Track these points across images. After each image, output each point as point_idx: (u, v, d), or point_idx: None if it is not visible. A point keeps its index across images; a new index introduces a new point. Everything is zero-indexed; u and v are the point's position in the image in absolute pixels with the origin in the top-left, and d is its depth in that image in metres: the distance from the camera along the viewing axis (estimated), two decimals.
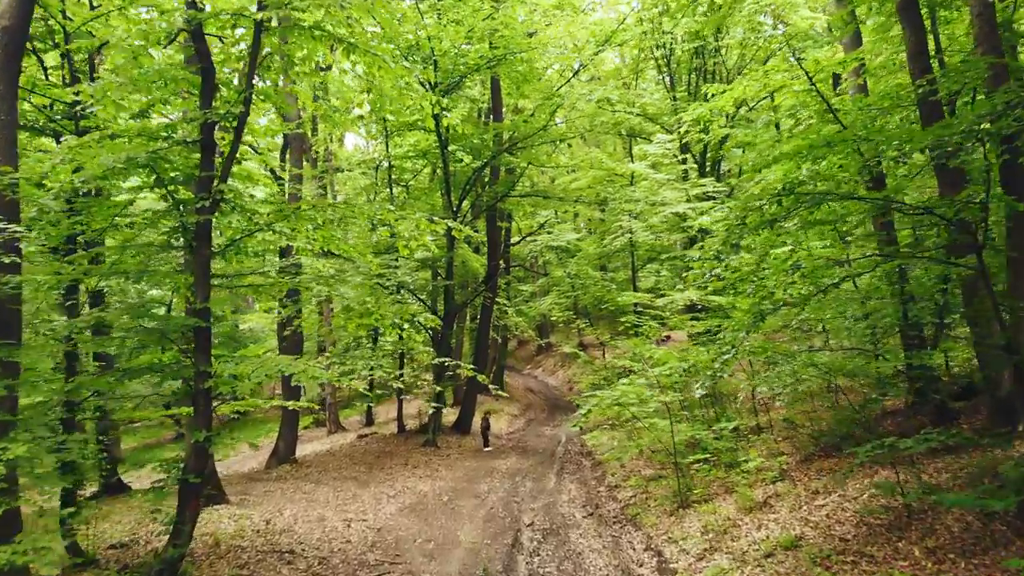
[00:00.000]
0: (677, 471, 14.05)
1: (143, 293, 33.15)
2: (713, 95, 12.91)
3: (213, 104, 8.76)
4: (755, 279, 9.78)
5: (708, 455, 14.83)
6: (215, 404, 11.42)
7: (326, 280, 11.60)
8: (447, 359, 18.95)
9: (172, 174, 8.70)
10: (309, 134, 29.88)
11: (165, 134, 8.73)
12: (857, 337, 14.71)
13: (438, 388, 22.20)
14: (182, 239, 8.85)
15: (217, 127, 9.20)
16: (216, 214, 8.47)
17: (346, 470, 19.71)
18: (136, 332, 9.23)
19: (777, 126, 44.33)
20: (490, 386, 20.71)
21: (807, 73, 11.03)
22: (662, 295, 20.31)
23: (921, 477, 11.01)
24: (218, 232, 10.35)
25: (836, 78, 34.89)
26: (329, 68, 29.92)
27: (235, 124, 8.67)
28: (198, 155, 8.72)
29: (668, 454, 15.98)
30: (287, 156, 24.24)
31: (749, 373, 17.66)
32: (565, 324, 43.05)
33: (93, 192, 10.21)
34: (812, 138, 8.53)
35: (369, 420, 32.89)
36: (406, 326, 10.35)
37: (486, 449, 23.04)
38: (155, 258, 9.17)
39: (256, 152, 22.18)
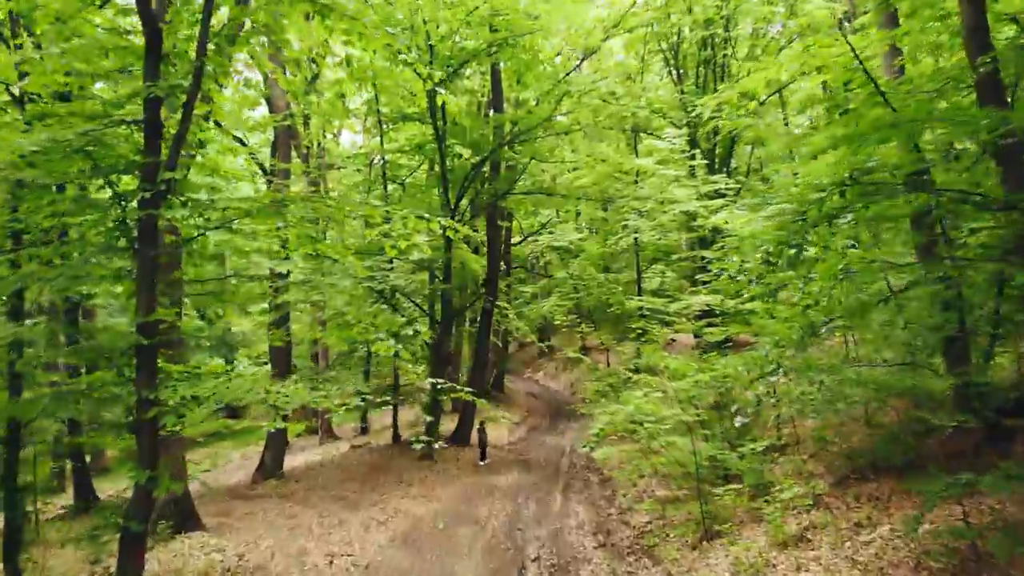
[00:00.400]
0: (700, 497, 12.62)
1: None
2: (745, 75, 11.48)
3: (163, 80, 7.34)
4: (801, 286, 8.37)
5: (737, 484, 13.39)
6: (179, 423, 9.99)
7: (299, 287, 10.05)
8: (441, 380, 17.46)
9: (111, 161, 7.28)
10: (301, 129, 28.48)
11: (102, 112, 7.29)
12: (896, 348, 13.30)
13: (429, 418, 20.67)
14: (123, 239, 7.41)
15: (170, 108, 7.80)
16: (164, 208, 7.04)
17: (335, 488, 18.28)
18: (74, 350, 7.79)
19: (786, 122, 42.94)
20: (489, 411, 19.12)
21: (853, 49, 9.60)
22: (674, 299, 18.85)
23: (984, 510, 9.64)
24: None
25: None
26: (323, 58, 28.53)
27: (186, 101, 7.22)
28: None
29: (686, 475, 14.59)
30: (278, 152, 22.83)
31: (772, 385, 16.22)
32: (569, 327, 41.58)
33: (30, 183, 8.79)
34: (877, 116, 7.11)
35: (364, 428, 31.49)
36: (392, 341, 8.93)
37: (484, 462, 21.60)
38: (95, 261, 7.68)
39: (243, 144, 20.75)
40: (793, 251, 7.54)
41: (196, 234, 7.51)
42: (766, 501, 13.25)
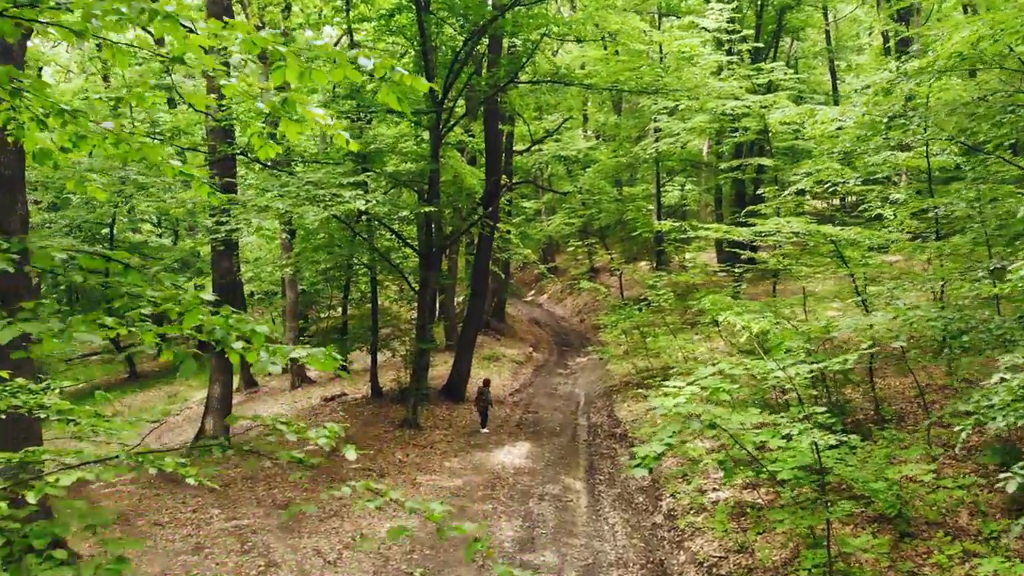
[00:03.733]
0: (828, 539, 8.00)
1: None
2: None
3: None
4: None
5: (838, 493, 8.77)
6: None
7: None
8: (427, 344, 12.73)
9: None
10: None
11: None
12: None
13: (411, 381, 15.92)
14: None
15: None
16: None
17: (281, 477, 13.85)
18: None
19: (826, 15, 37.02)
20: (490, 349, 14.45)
21: None
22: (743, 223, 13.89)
23: None
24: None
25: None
26: None
27: None
28: None
29: (756, 467, 10.03)
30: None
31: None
32: (584, 246, 36.63)
33: None
34: None
35: (343, 367, 26.96)
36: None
37: (484, 430, 17.12)
38: None
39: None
40: None
41: None
42: (903, 538, 8.75)
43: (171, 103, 29.17)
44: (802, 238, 12.26)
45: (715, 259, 31.90)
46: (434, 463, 14.28)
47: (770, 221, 12.52)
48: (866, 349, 7.88)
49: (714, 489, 11.93)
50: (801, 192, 15.67)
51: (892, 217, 15.52)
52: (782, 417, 7.65)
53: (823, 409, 8.21)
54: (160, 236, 41.15)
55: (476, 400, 17.64)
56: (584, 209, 38.19)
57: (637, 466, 8.14)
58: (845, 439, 7.46)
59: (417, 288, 17.56)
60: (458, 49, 15.04)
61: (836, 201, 33.05)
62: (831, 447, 8.41)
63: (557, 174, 44.85)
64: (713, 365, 9.11)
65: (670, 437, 7.94)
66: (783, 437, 8.29)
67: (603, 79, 17.15)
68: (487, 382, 17.71)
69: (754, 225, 12.90)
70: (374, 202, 11.60)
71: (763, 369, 9.46)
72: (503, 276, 32.43)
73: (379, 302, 22.32)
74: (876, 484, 7.97)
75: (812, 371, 7.76)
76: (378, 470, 13.71)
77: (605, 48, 28.63)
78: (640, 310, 21.98)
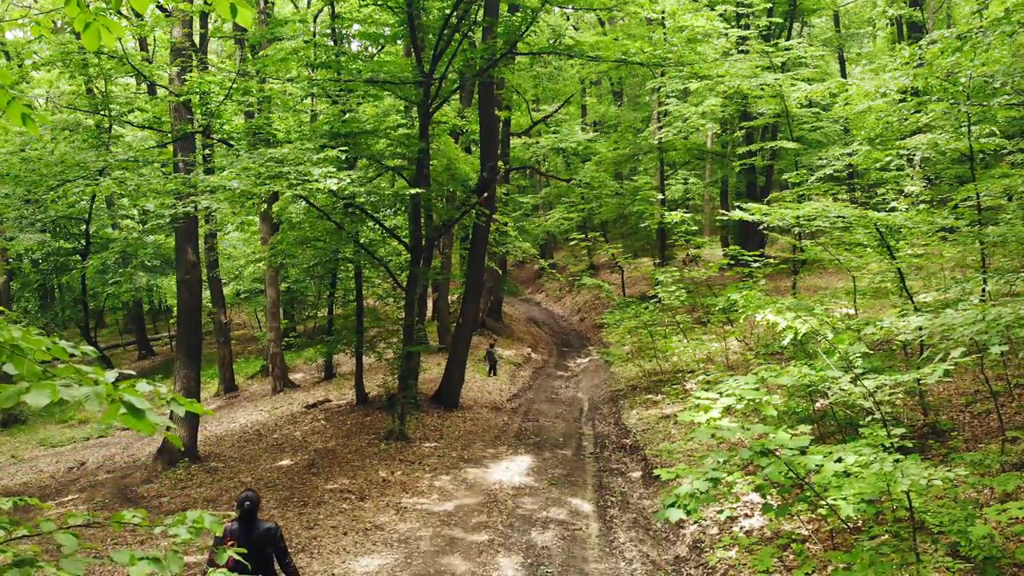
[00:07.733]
0: None
1: None
2: None
3: None
4: None
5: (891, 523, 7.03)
6: None
7: None
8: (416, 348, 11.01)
9: None
10: None
11: None
12: None
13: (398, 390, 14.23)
14: None
15: None
16: None
17: None
18: None
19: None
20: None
21: None
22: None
23: None
24: None
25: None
26: None
27: None
28: None
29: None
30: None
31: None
32: (586, 241, 35.11)
33: None
34: None
35: (329, 372, 25.35)
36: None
37: (493, 377, 21.61)
38: None
39: None
40: None
41: None
42: None
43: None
44: (845, 223, 10.59)
45: (719, 255, 30.38)
46: (422, 482, 12.56)
47: (806, 205, 10.84)
48: (958, 357, 6.16)
49: (746, 515, 10.25)
50: (831, 177, 14.00)
51: (916, 207, 13.93)
52: (862, 446, 5.93)
53: (901, 430, 6.55)
54: (150, 234, 39.45)
55: (486, 357, 22.87)
56: (584, 203, 36.67)
57: (672, 505, 6.44)
58: (949, 474, 5.74)
59: (404, 284, 15.83)
60: (448, 13, 13.29)
61: (843, 193, 31.53)
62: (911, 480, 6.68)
63: (555, 168, 43.22)
64: (733, 373, 7.43)
65: (714, 469, 6.26)
66: (837, 460, 6.62)
67: (610, 52, 15.44)
68: (493, 344, 23.71)
69: (788, 209, 11.22)
70: (348, 181, 9.88)
71: (818, 378, 7.82)
72: (500, 272, 30.72)
73: (366, 300, 20.65)
74: (975, 529, 6.28)
75: (900, 385, 6.06)
76: (358, 492, 11.97)
77: (605, 35, 26.98)
78: (647, 308, 20.31)
